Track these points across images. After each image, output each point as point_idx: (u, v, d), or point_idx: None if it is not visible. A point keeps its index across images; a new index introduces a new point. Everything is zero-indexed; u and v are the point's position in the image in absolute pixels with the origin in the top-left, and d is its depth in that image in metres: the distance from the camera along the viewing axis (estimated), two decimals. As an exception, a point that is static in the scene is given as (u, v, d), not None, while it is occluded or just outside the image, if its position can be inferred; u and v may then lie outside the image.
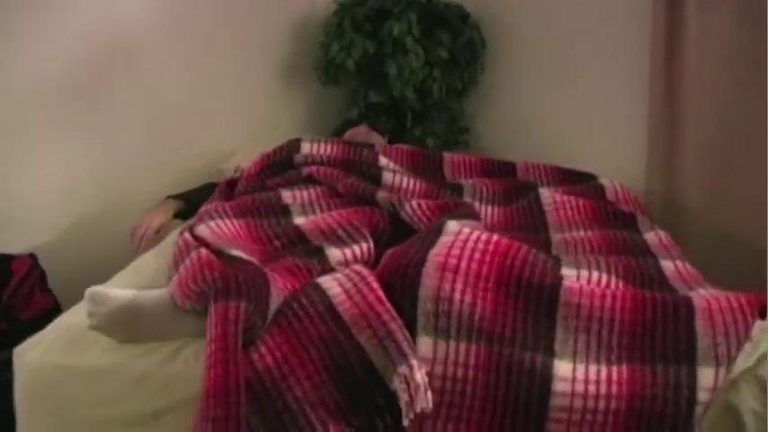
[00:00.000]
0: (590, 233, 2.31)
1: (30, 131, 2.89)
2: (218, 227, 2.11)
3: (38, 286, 2.78)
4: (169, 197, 2.83)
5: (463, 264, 1.74)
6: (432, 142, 3.56)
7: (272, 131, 3.53)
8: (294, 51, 3.68)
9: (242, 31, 3.47)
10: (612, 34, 3.21)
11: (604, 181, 2.79)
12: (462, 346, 1.66)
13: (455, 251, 1.76)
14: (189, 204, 2.77)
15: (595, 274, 1.85)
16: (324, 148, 2.82)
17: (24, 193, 2.92)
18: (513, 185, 2.77)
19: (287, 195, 2.44)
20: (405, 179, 2.60)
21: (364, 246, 2.04)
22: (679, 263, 2.05)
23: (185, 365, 1.72)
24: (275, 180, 2.63)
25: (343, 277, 1.78)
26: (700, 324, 1.64)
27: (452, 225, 1.88)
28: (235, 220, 2.18)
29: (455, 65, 3.54)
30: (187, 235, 2.07)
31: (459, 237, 1.81)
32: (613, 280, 1.84)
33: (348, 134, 3.21)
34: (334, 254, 2.00)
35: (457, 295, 1.69)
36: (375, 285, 1.71)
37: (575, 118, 3.44)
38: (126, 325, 1.75)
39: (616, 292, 1.71)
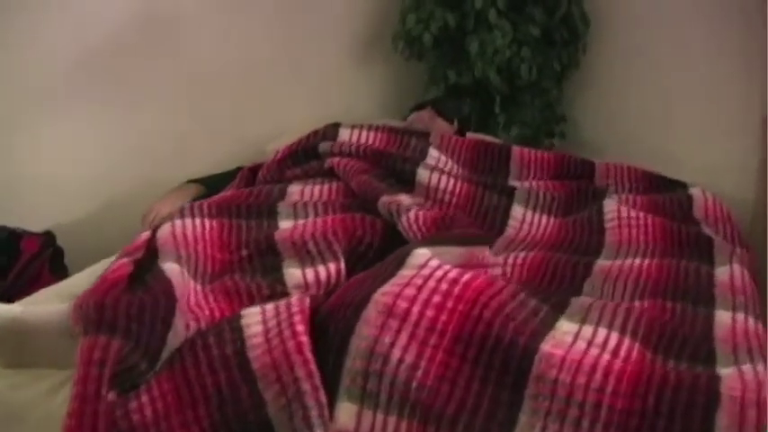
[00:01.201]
0: (646, 261, 1.81)
1: (63, 108, 2.66)
2: (182, 227, 1.76)
3: (47, 266, 2.51)
4: (190, 181, 2.50)
5: (415, 309, 1.30)
6: (517, 131, 3.07)
7: (346, 112, 3.13)
8: (373, 21, 3.25)
9: (315, 2, 3.06)
10: (730, 15, 2.62)
11: (695, 191, 2.26)
12: (391, 422, 1.24)
13: (409, 291, 1.33)
14: (209, 189, 2.43)
15: (602, 334, 1.37)
16: (365, 136, 2.41)
17: (53, 171, 2.67)
18: (581, 191, 2.27)
19: (294, 191, 2.06)
20: (443, 178, 2.16)
21: (332, 267, 1.62)
22: (740, 316, 1.53)
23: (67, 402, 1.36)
24: (294, 171, 2.25)
25: (272, 311, 1.38)
26: (722, 421, 1.15)
27: (419, 254, 1.43)
28: (208, 221, 1.81)
29: (549, 44, 3.03)
30: (145, 234, 1.73)
31: (422, 271, 1.38)
32: (626, 342, 1.36)
33: (410, 119, 2.79)
34: (292, 275, 1.60)
35: (396, 352, 1.26)
36: (299, 328, 1.30)
37: (685, 109, 2.87)
38: (4, 347, 1.41)
39: (612, 366, 1.23)
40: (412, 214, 1.80)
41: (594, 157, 2.61)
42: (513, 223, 2.15)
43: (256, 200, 1.94)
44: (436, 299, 1.31)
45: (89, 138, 2.70)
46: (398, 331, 1.27)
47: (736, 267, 1.78)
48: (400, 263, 1.42)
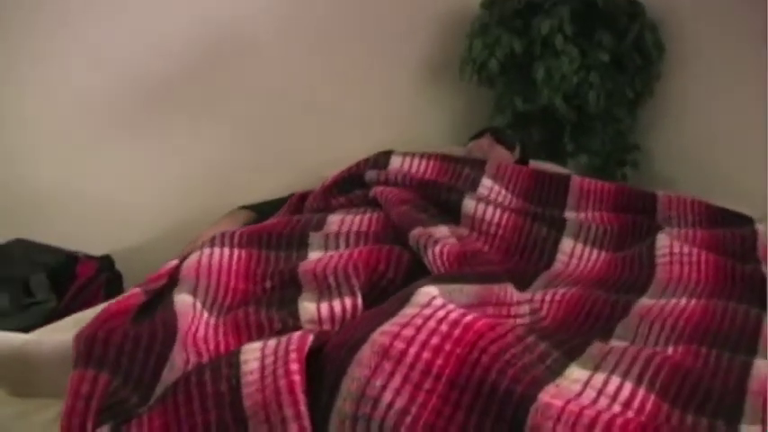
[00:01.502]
0: (693, 302, 1.70)
1: (124, 132, 2.72)
2: (210, 257, 1.74)
3: (103, 291, 2.53)
4: (243, 207, 2.48)
5: (412, 351, 1.24)
6: (586, 160, 2.96)
7: (411, 139, 3.08)
8: (441, 47, 3.19)
9: (381, 25, 3.04)
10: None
11: (761, 227, 2.12)
12: (378, 470, 1.17)
13: (408, 331, 1.26)
14: (260, 215, 2.41)
15: (615, 382, 1.27)
16: (416, 165, 2.36)
17: (114, 196, 2.72)
18: (636, 224, 2.16)
19: (334, 221, 2.01)
20: (489, 209, 2.08)
21: (348, 302, 1.57)
22: (781, 368, 1.41)
23: None
24: (339, 199, 2.21)
25: (272, 347, 1.33)
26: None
27: (423, 293, 1.37)
28: (237, 250, 1.79)
29: (620, 71, 2.91)
30: (173, 262, 1.72)
31: (424, 311, 1.31)
32: (641, 393, 1.26)
33: (469, 147, 2.72)
34: (307, 309, 1.55)
35: (387, 396, 1.19)
36: (293, 366, 1.25)
37: (762, 139, 2.71)
38: (10, 376, 1.40)
39: (615, 420, 1.14)
40: (438, 249, 1.73)
41: (668, 188, 2.50)
42: (561, 257, 2.06)
43: (291, 229, 1.90)
44: (434, 341, 1.24)
45: (149, 163, 2.73)
46: (392, 373, 1.21)
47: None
48: (404, 301, 1.36)
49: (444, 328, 1.26)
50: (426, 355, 1.22)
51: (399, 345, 1.23)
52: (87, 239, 2.66)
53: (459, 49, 3.07)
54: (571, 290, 1.78)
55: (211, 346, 1.42)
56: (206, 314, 1.55)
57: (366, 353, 1.23)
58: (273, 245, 1.84)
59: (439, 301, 1.33)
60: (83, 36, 2.52)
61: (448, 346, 1.24)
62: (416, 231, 1.81)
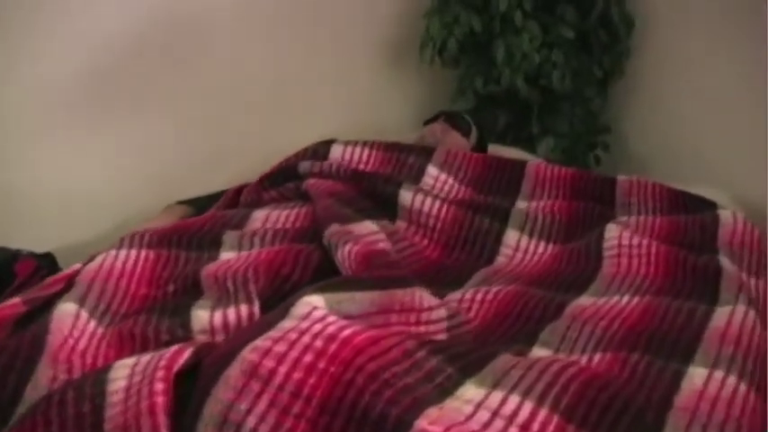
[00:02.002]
0: (635, 300, 1.55)
1: (74, 118, 2.55)
2: (113, 259, 1.61)
3: (40, 291, 2.38)
4: (180, 202, 2.33)
5: (282, 370, 1.09)
6: (552, 143, 2.79)
7: (375, 123, 2.93)
8: (402, 28, 3.02)
9: (336, 5, 2.87)
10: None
11: (724, 213, 1.96)
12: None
13: (280, 347, 1.11)
14: (198, 210, 2.26)
15: (514, 402, 1.12)
16: (358, 154, 2.20)
17: (60, 188, 2.56)
18: (587, 213, 2.00)
19: (258, 217, 1.87)
20: (428, 201, 1.93)
21: (243, 310, 1.42)
22: (718, 374, 1.25)
23: None
24: (271, 193, 2.06)
25: (144, 363, 1.19)
26: None
27: (304, 303, 1.21)
28: (145, 251, 1.65)
29: (586, 48, 2.73)
30: (76, 266, 1.59)
31: (302, 324, 1.16)
32: (542, 414, 1.10)
33: (422, 132, 2.55)
34: (200, 318, 1.41)
35: (251, 421, 1.05)
36: (158, 386, 1.11)
37: (740, 117, 2.53)
38: None
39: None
40: (346, 249, 1.57)
41: (641, 171, 2.34)
42: (505, 251, 1.90)
43: (208, 228, 1.75)
44: (307, 358, 1.09)
45: (100, 152, 2.57)
46: (259, 396, 1.06)
47: (740, 309, 1.48)
48: (284, 313, 1.20)
49: (319, 343, 1.11)
50: (297, 374, 1.07)
51: (269, 363, 1.08)
52: (34, 237, 2.51)
53: (419, 30, 2.89)
54: (507, 287, 1.64)
55: (89, 361, 1.28)
56: (93, 324, 1.41)
57: (234, 371, 1.08)
58: (185, 245, 1.69)
59: (319, 313, 1.18)
60: (29, 14, 2.36)
61: (322, 365, 1.08)
62: (332, 229, 1.65)
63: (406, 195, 1.96)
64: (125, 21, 2.51)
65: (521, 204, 2.12)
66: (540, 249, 1.91)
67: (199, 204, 2.29)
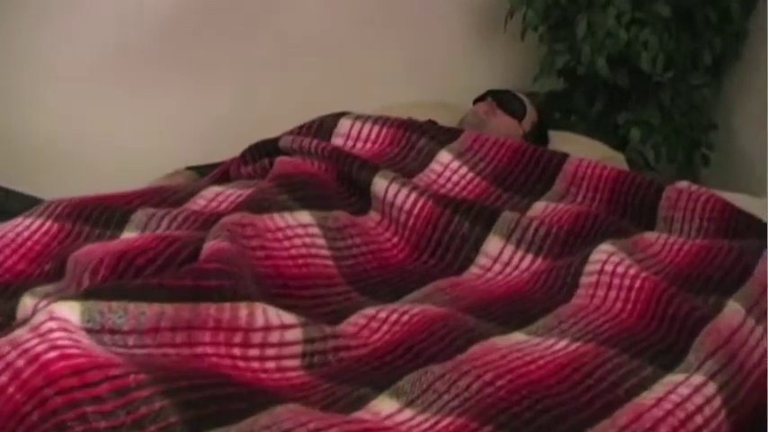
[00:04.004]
0: (571, 348, 1.22)
1: (123, 81, 2.45)
2: (14, 227, 1.47)
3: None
4: (189, 168, 2.13)
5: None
6: (638, 135, 2.35)
7: (448, 97, 2.61)
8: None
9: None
10: None
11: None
12: None
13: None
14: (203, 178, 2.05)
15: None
16: (367, 131, 1.92)
17: (116, 146, 2.42)
18: (595, 223, 1.63)
19: (207, 195, 1.65)
20: (403, 192, 1.63)
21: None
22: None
23: None
24: (247, 168, 1.82)
25: None
26: None
27: (47, 310, 0.98)
28: (50, 223, 1.48)
29: (686, 28, 2.27)
30: None
31: (26, 335, 0.93)
32: None
33: (468, 111, 2.21)
34: (25, 305, 1.20)
35: None
36: None
37: None
38: None
39: None
40: (207, 245, 1.29)
41: (752, 175, 2.03)
42: (482, 260, 1.57)
43: (127, 203, 1.54)
44: (2, 379, 0.85)
45: (148, 113, 2.44)
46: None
47: (696, 381, 1.10)
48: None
49: (21, 363, 0.87)
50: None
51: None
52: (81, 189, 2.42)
53: (508, -1, 2.53)
54: (436, 309, 1.31)
55: None
56: None
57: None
58: (93, 220, 1.49)
59: (52, 324, 0.93)
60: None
61: (11, 389, 0.85)
62: (230, 218, 1.38)
63: (380, 184, 1.66)
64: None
65: (539, 205, 1.76)
66: (525, 263, 1.56)
67: (207, 172, 2.07)
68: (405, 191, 1.63)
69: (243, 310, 1.10)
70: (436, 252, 1.59)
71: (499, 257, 1.57)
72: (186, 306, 1.05)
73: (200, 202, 1.62)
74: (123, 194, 1.61)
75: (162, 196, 1.62)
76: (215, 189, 1.66)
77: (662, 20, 2.23)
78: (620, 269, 1.40)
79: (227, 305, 1.09)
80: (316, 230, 1.48)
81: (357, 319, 1.30)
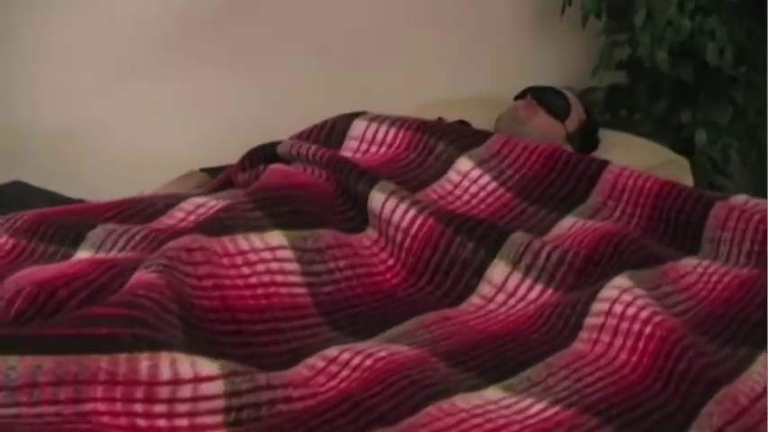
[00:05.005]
0: (549, 413, 1.00)
1: (148, 77, 2.30)
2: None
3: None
4: (203, 170, 1.99)
5: None
6: (704, 137, 2.08)
7: (502, 92, 2.39)
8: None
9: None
10: None
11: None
12: None
13: None
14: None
15: None
16: (383, 133, 1.73)
17: (134, 141, 2.33)
18: (619, 246, 1.41)
19: (187, 207, 1.50)
20: (401, 208, 1.44)
21: None
22: None
23: None
24: (244, 175, 1.67)
25: None
26: None
27: None
28: (5, 239, 1.37)
29: (758, 15, 1.99)
30: None
31: None
32: None
33: (507, 110, 1.99)
34: None
35: None
36: None
37: None
38: None
39: None
40: (136, 275, 1.13)
41: None
42: (485, 289, 1.37)
43: (91, 217, 1.40)
44: None
45: (176, 109, 2.33)
46: None
47: None
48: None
49: None
50: None
51: None
52: (98, 190, 2.32)
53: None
54: (407, 353, 1.13)
55: None
56: None
57: None
58: (48, 236, 1.36)
59: None
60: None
61: None
62: (175, 243, 1.21)
63: (377, 198, 1.47)
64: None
65: (566, 222, 1.54)
66: (533, 294, 1.35)
67: (217, 174, 1.93)
68: (403, 206, 1.43)
69: (143, 361, 0.93)
70: (434, 278, 1.40)
71: (504, 286, 1.36)
72: (70, 359, 0.89)
73: (178, 215, 1.46)
74: (97, 206, 1.47)
75: (137, 208, 1.47)
76: (197, 200, 1.50)
77: (731, 6, 1.94)
78: (630, 311, 1.17)
79: (122, 356, 0.92)
80: (287, 254, 1.30)
81: (316, 360, 1.12)
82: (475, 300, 1.36)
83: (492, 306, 1.35)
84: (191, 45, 2.25)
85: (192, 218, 1.45)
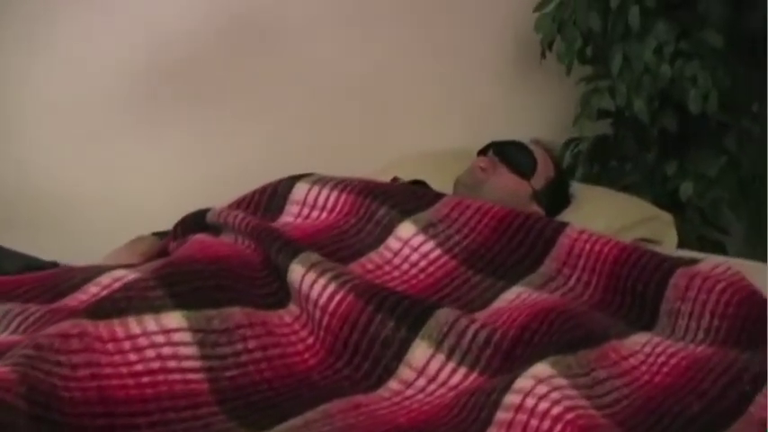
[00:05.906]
0: None
1: (136, 123, 2.26)
2: None
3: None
4: (155, 234, 1.90)
5: None
6: (691, 189, 1.93)
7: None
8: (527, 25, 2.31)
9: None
10: None
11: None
12: None
13: None
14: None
15: None
16: (325, 197, 1.63)
17: (112, 199, 2.27)
18: (555, 328, 1.28)
19: (106, 281, 1.40)
20: (319, 284, 1.33)
21: None
22: None
23: None
24: (174, 244, 1.58)
25: None
26: None
27: None
28: None
29: (754, 60, 1.85)
30: None
31: None
32: None
33: (468, 168, 1.88)
34: None
35: None
36: None
37: None
38: None
39: None
40: None
41: None
42: (405, 373, 1.25)
43: (8, 293, 1.32)
44: None
45: (170, 160, 2.27)
46: None
47: None
48: None
49: None
50: None
51: None
52: (78, 248, 2.25)
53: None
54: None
55: None
56: None
57: None
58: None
59: None
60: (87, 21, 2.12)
61: None
62: (50, 330, 1.12)
63: (296, 271, 1.35)
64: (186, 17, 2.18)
65: (510, 294, 1.42)
66: (455, 379, 1.22)
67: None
68: (322, 281, 1.31)
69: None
70: (353, 359, 1.28)
71: (425, 370, 1.23)
72: None
73: (92, 290, 1.37)
74: (15, 280, 1.39)
75: (55, 282, 1.39)
76: (116, 274, 1.40)
77: (713, 50, 1.79)
78: (542, 405, 1.03)
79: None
80: (184, 336, 1.19)
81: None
82: (393, 384, 1.23)
83: (410, 392, 1.22)
84: (180, 92, 2.18)
85: (104, 293, 1.35)
